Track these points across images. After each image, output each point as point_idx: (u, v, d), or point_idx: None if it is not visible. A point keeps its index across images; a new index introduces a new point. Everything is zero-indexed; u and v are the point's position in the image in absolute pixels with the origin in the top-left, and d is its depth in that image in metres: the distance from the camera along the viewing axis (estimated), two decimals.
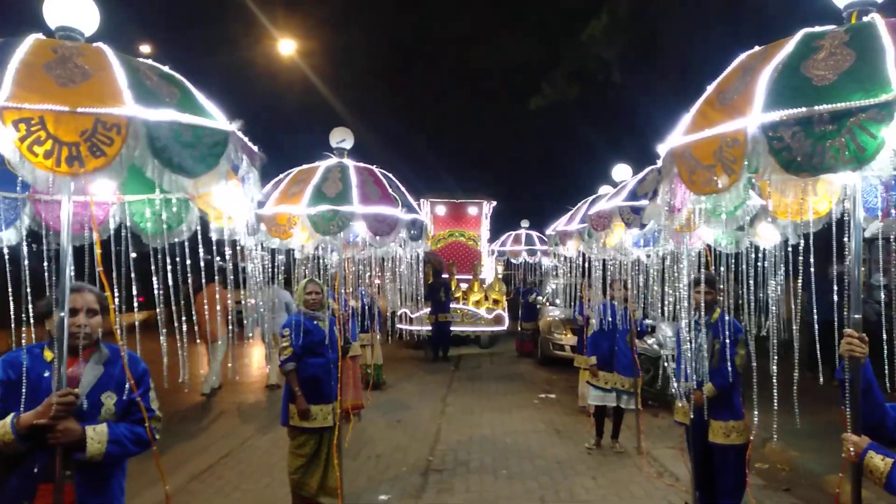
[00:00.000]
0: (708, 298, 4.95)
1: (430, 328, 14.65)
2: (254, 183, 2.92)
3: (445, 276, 15.60)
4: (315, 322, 5.39)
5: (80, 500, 2.70)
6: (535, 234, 16.66)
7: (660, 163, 3.07)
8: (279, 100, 21.56)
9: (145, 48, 17.69)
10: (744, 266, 3.92)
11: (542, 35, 18.20)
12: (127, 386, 2.89)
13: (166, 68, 2.80)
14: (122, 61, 2.57)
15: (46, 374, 2.75)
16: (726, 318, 4.68)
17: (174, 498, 5.85)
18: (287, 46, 18.57)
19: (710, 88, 2.87)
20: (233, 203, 3.00)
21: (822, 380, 3.15)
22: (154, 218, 3.36)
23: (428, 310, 14.31)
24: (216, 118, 2.73)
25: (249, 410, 9.48)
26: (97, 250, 2.91)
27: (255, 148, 2.99)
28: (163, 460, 6.68)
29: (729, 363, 4.68)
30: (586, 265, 8.22)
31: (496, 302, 16.57)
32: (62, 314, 2.67)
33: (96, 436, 2.71)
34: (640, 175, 6.46)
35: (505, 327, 16.51)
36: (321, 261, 6.10)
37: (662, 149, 3.05)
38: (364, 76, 22.93)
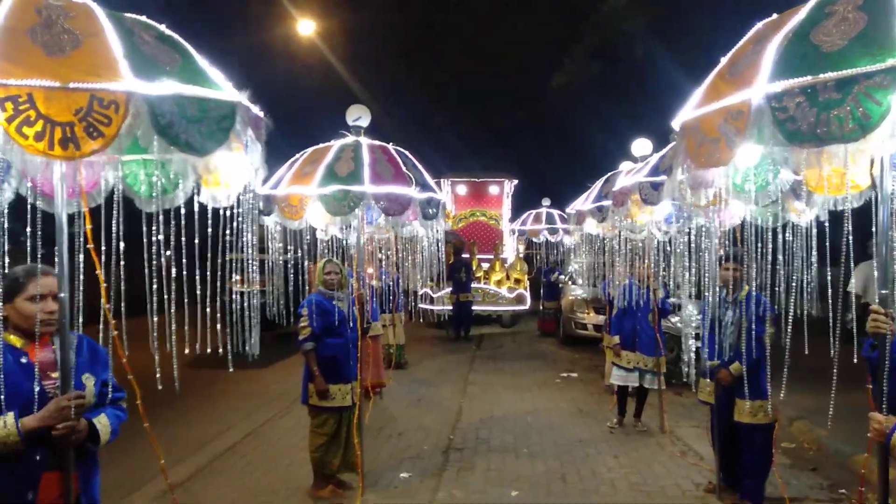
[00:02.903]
0: (736, 275, 4.84)
1: (451, 308, 14.64)
2: (258, 151, 2.67)
3: (466, 255, 15.56)
4: (333, 302, 5.37)
5: (82, 488, 2.69)
6: (556, 212, 16.52)
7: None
8: (298, 79, 21.52)
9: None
10: (780, 242, 3.78)
11: (562, 10, 17.94)
12: (99, 367, 2.78)
13: (162, 27, 2.53)
14: (114, 23, 2.32)
15: (24, 360, 2.57)
16: (755, 295, 4.57)
17: (196, 478, 5.92)
18: (306, 26, 18.47)
19: (723, 60, 2.78)
20: (233, 169, 2.70)
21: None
22: (148, 181, 2.99)
23: (449, 290, 14.30)
24: (221, 87, 2.49)
25: (271, 390, 9.55)
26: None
27: (262, 114, 2.75)
28: (185, 441, 6.81)
29: (756, 341, 4.59)
30: (607, 243, 8.10)
31: (518, 281, 16.49)
32: (62, 294, 2.50)
33: (103, 427, 2.68)
34: (664, 150, 6.33)
35: (527, 307, 16.42)
36: (344, 241, 6.07)
37: (676, 123, 2.97)
38: (384, 55, 22.82)
